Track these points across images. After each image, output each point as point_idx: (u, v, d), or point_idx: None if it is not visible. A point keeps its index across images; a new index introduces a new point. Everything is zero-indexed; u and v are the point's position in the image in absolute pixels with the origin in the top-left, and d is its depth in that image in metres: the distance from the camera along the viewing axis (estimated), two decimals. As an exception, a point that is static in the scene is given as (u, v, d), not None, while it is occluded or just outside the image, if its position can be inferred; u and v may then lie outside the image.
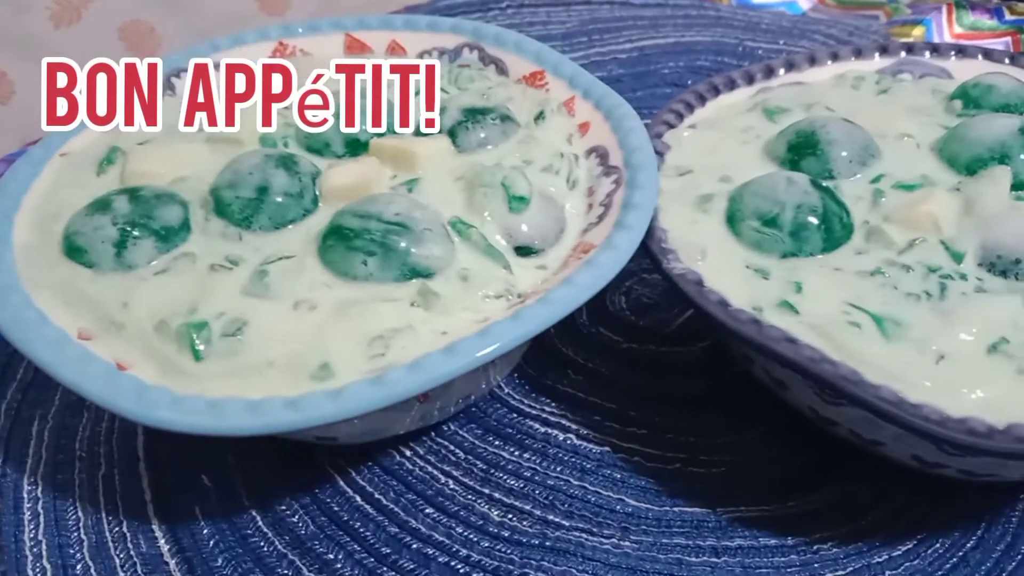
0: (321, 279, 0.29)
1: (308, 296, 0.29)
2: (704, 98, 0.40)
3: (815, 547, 0.31)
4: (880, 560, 0.31)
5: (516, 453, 0.34)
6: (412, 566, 0.30)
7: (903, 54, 0.43)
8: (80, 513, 0.33)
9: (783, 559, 0.31)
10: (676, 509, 0.32)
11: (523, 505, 0.32)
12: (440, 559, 0.31)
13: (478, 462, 0.34)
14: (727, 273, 0.31)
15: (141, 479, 0.34)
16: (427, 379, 0.26)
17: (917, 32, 0.59)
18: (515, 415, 0.36)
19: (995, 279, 0.30)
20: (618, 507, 0.32)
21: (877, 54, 0.43)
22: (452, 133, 0.35)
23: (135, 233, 0.30)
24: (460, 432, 0.36)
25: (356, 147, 0.35)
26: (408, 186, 0.33)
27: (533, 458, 0.34)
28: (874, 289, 0.29)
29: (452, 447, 0.35)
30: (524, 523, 0.32)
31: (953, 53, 0.43)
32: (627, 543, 0.31)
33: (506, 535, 0.31)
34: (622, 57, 0.57)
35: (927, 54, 0.43)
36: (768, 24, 0.59)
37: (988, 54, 0.42)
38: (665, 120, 0.38)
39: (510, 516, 0.32)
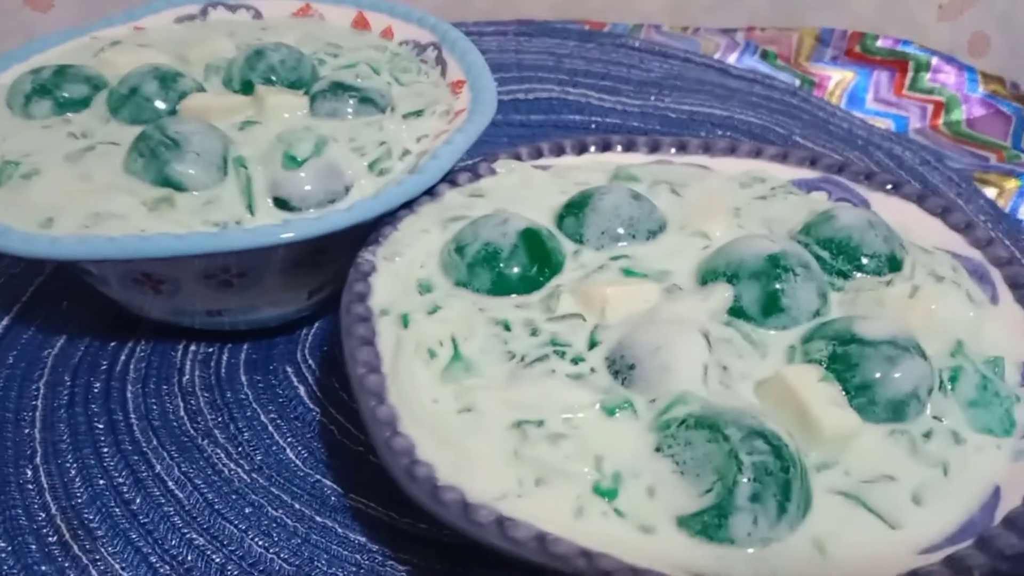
0: (114, 166, 0.36)
1: (93, 172, 0.36)
2: (586, 148, 0.41)
3: (388, 562, 0.32)
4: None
5: (247, 377, 0.39)
6: (97, 406, 0.37)
7: (833, 173, 0.39)
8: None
9: (340, 548, 0.32)
10: (306, 472, 0.35)
11: (209, 414, 0.37)
12: (115, 417, 0.37)
13: (211, 365, 0.39)
14: (398, 279, 0.32)
15: (31, 286, 0.44)
16: (82, 252, 0.32)
17: (1010, 184, 0.51)
18: (279, 345, 0.40)
19: (605, 375, 0.28)
20: (267, 445, 0.36)
21: (808, 163, 0.40)
22: (313, 98, 0.40)
23: (39, 94, 0.40)
24: (242, 350, 0.40)
25: (247, 87, 0.41)
26: (241, 125, 0.39)
27: (257, 384, 0.38)
28: (487, 336, 0.30)
29: (221, 353, 0.40)
30: (193, 422, 0.36)
31: (889, 186, 0.38)
32: (232, 465, 0.35)
33: (172, 421, 0.36)
34: (671, 116, 0.57)
35: (860, 178, 0.38)
36: (841, 128, 0.55)
37: (923, 199, 0.37)
38: (516, 152, 0.39)
39: (190, 412, 0.37)
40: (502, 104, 0.59)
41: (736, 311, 0.30)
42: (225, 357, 0.40)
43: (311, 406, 0.38)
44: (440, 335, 0.30)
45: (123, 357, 0.40)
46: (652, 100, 0.58)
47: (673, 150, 0.41)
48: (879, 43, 0.62)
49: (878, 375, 0.27)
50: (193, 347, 0.41)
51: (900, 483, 0.26)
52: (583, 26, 0.67)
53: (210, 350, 0.40)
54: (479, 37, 0.63)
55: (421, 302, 0.31)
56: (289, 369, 0.39)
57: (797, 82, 0.61)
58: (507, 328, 0.30)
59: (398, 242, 0.34)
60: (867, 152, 0.53)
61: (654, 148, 0.41)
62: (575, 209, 0.34)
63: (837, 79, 0.60)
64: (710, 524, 0.24)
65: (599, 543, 0.23)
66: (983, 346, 0.30)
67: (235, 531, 0.32)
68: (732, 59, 0.63)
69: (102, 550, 0.31)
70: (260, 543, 0.32)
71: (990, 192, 0.50)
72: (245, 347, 0.41)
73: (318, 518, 0.33)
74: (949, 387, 0.28)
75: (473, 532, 0.24)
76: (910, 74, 0.59)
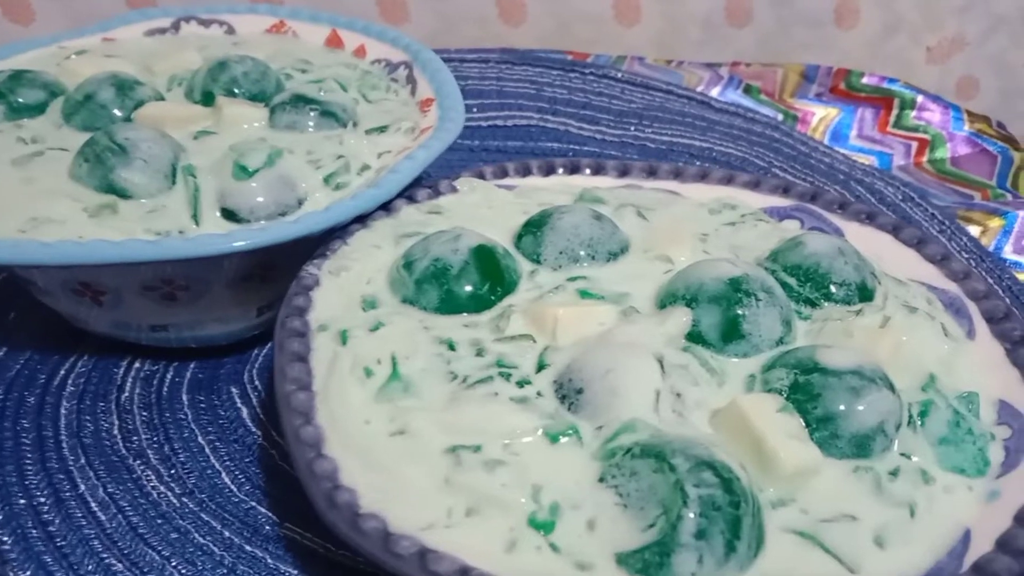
0: (60, 172, 0.35)
1: (38, 178, 0.35)
2: (553, 170, 0.39)
3: None
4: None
5: (189, 396, 0.37)
6: (28, 421, 0.35)
7: (806, 201, 0.38)
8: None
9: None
10: (240, 498, 0.33)
11: (144, 433, 0.35)
12: (44, 433, 0.35)
13: (154, 383, 0.37)
14: (342, 294, 0.31)
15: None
16: (14, 256, 0.30)
17: (994, 223, 0.49)
18: (227, 365, 0.39)
19: (551, 400, 0.26)
20: (202, 468, 0.34)
21: (781, 191, 0.38)
22: (273, 110, 0.39)
23: (-8, 99, 0.39)
24: (188, 369, 0.38)
25: (208, 98, 0.40)
26: (196, 134, 0.37)
27: (199, 405, 0.36)
28: (430, 355, 0.28)
29: (166, 371, 0.38)
30: (127, 441, 0.34)
31: (863, 216, 0.36)
32: (161, 488, 0.33)
33: (105, 440, 0.34)
34: (650, 146, 0.56)
35: (834, 207, 0.37)
36: (823, 163, 0.53)
37: (898, 229, 0.35)
38: (480, 171, 0.38)
39: (125, 431, 0.35)
40: (479, 130, 0.58)
41: (694, 336, 0.28)
42: (170, 375, 0.38)
43: (252, 429, 0.36)
44: (379, 353, 0.28)
45: (63, 372, 0.38)
46: (632, 130, 0.57)
47: (643, 172, 0.40)
48: (864, 80, 0.61)
49: (842, 407, 0.26)
50: (137, 364, 0.39)
51: (862, 523, 0.24)
52: (566, 56, 0.66)
53: (155, 368, 0.39)
54: (460, 64, 0.63)
55: (363, 318, 0.29)
56: (234, 390, 0.38)
57: (780, 117, 0.60)
58: (451, 348, 0.28)
59: (346, 256, 0.32)
60: (848, 187, 0.51)
61: (623, 172, 0.40)
62: (533, 228, 0.33)
63: (821, 115, 0.59)
64: (651, 562, 0.22)
65: (530, 579, 0.22)
66: (957, 381, 0.29)
67: (157, 558, 0.30)
68: (715, 92, 0.62)
69: (11, 575, 0.29)
70: (183, 571, 0.30)
71: (974, 230, 0.49)
72: (192, 366, 0.39)
73: (248, 547, 0.31)
74: (919, 423, 0.27)
75: (392, 565, 0.22)
76: (895, 111, 0.58)
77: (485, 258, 0.31)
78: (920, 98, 0.59)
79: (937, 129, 0.57)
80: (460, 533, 0.23)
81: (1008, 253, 0.48)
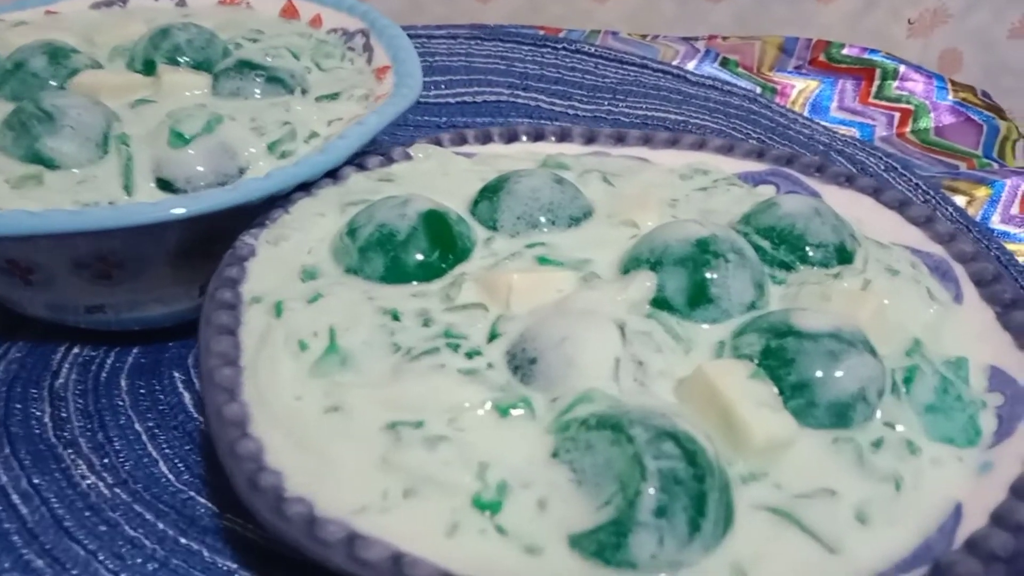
0: (-13, 141, 0.33)
1: (-35, 148, 0.32)
2: (516, 137, 0.37)
3: None
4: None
5: (128, 382, 0.34)
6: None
7: (781, 165, 0.35)
8: None
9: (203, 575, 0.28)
10: (178, 487, 0.30)
11: (77, 421, 0.32)
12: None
13: (92, 368, 0.35)
14: (280, 265, 0.28)
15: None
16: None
17: (981, 192, 0.47)
18: (172, 349, 0.36)
19: (503, 371, 0.24)
20: (138, 457, 0.31)
21: (755, 155, 0.36)
22: (216, 77, 0.37)
23: (-86, 67, 0.36)
24: (130, 354, 0.36)
25: (149, 67, 0.38)
26: (134, 103, 0.35)
27: (138, 391, 0.34)
28: (373, 327, 0.25)
29: (106, 357, 0.36)
30: (58, 430, 0.32)
31: (843, 178, 0.34)
32: (92, 478, 0.30)
33: (34, 428, 0.32)
34: (624, 120, 0.53)
35: (812, 171, 0.35)
36: (802, 134, 0.51)
37: (879, 192, 0.33)
38: (437, 138, 0.36)
39: (57, 419, 0.33)
40: (447, 107, 0.56)
41: (660, 302, 0.26)
42: (109, 361, 0.36)
43: (194, 415, 0.33)
44: (316, 325, 0.25)
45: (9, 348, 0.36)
46: (605, 105, 0.55)
47: (610, 139, 0.37)
48: (845, 51, 0.59)
49: (818, 373, 0.23)
50: (76, 350, 0.36)
51: (842, 499, 0.22)
52: (538, 32, 0.64)
53: (94, 353, 0.36)
54: (428, 40, 0.61)
55: (301, 290, 0.27)
56: (176, 374, 0.35)
57: (758, 89, 0.58)
58: (396, 318, 0.26)
59: (286, 225, 0.30)
60: (828, 159, 0.49)
61: (590, 139, 0.37)
62: (490, 193, 0.31)
63: (800, 87, 0.57)
64: (607, 544, 0.20)
65: (471, 566, 0.19)
66: (944, 347, 0.27)
67: (82, 553, 0.28)
68: (691, 66, 0.60)
69: (-79, 574, 0.27)
70: (110, 566, 0.27)
71: (960, 200, 0.47)
72: (134, 351, 0.36)
73: (183, 540, 0.28)
74: (903, 389, 0.25)
75: (316, 552, 0.19)
76: (876, 82, 0.56)
77: (435, 224, 0.28)
78: (902, 68, 0.57)
79: (920, 99, 0.55)
80: (396, 517, 0.20)
81: (996, 223, 0.46)
